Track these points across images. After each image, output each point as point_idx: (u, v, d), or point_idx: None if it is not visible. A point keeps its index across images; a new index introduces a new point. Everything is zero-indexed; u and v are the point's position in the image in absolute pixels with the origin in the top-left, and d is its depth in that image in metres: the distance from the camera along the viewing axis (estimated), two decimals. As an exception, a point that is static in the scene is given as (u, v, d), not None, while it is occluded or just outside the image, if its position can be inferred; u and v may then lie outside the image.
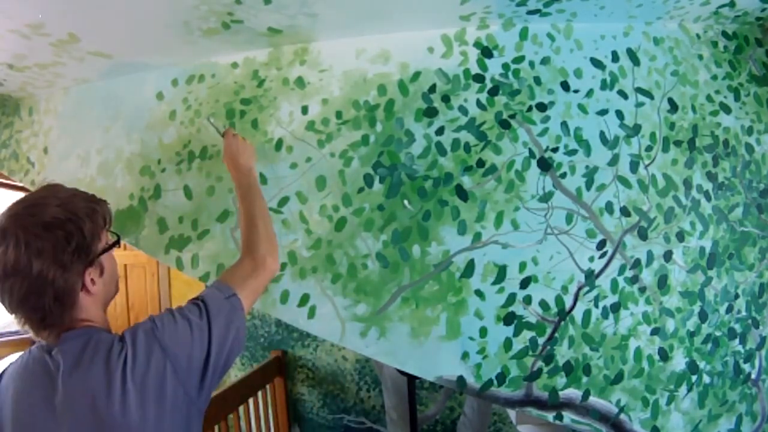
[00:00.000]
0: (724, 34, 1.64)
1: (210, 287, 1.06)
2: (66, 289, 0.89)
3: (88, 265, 0.92)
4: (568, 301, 1.40)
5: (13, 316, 0.90)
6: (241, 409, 2.41)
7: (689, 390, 1.43)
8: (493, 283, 1.40)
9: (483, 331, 1.39)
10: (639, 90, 1.50)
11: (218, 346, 0.95)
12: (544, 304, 1.40)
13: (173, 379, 0.89)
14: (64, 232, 0.88)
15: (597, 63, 1.49)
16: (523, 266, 1.40)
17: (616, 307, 1.41)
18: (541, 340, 1.39)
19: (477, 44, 1.49)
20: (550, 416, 1.38)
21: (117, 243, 1.01)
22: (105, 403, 0.84)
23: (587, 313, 1.40)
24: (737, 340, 1.48)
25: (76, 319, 0.92)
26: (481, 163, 1.44)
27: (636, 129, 1.48)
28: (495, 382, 1.38)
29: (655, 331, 1.42)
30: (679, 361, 1.43)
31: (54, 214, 0.89)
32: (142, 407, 0.86)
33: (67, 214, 0.90)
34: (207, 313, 0.97)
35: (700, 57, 1.59)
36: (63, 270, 0.88)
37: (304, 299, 1.46)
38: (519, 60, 1.48)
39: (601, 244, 1.42)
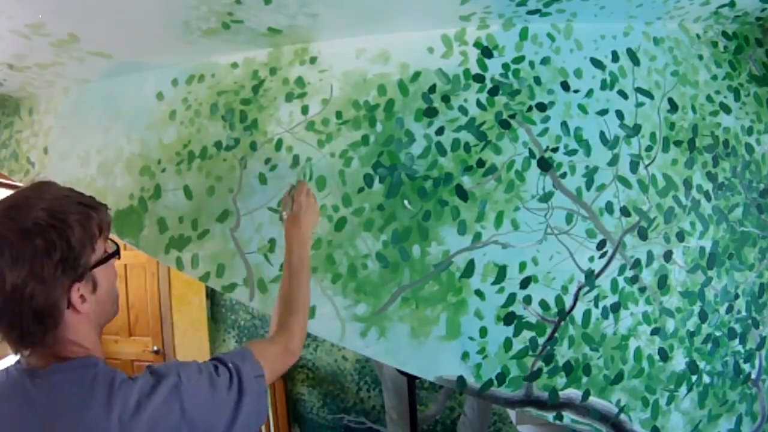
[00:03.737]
0: (724, 34, 1.64)
1: (241, 356, 0.94)
2: (47, 307, 0.76)
3: (76, 280, 0.78)
4: (568, 301, 1.40)
5: None
6: (241, 409, 2.40)
7: (689, 390, 1.43)
8: (493, 283, 1.40)
9: (483, 331, 1.39)
10: (639, 90, 1.50)
11: (243, 425, 0.87)
12: (544, 304, 1.40)
13: None
14: (45, 241, 0.75)
15: (597, 63, 1.49)
16: (523, 266, 1.40)
17: (616, 307, 1.41)
18: (541, 340, 1.39)
19: (477, 44, 1.49)
20: (550, 416, 1.38)
21: (115, 254, 0.88)
22: None
23: (587, 313, 1.40)
24: (737, 340, 1.48)
25: (63, 341, 0.79)
26: (481, 163, 1.44)
27: (636, 129, 1.48)
28: (495, 382, 1.38)
29: (655, 331, 1.42)
30: (679, 361, 1.43)
31: (36, 219, 0.76)
32: None
33: (51, 220, 0.77)
34: (239, 387, 0.88)
35: (700, 57, 1.59)
36: (43, 285, 0.75)
37: (304, 299, 1.46)
38: (519, 60, 1.48)
39: (601, 244, 1.42)
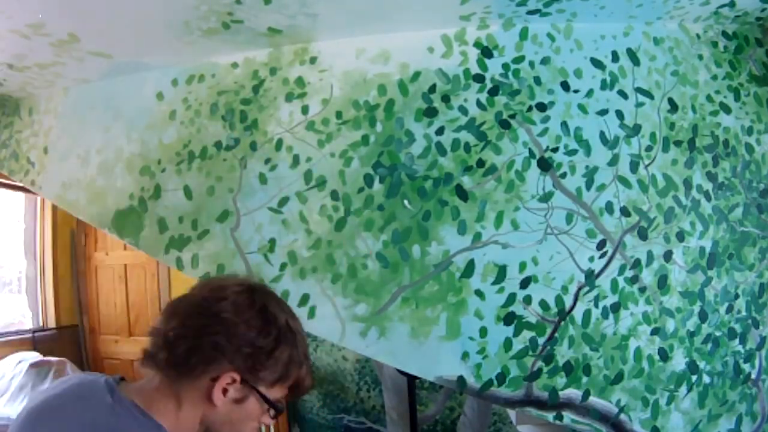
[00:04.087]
0: (724, 34, 1.64)
1: None
2: (213, 361, 0.72)
3: (241, 372, 0.73)
4: (568, 301, 1.40)
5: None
6: (241, 409, 2.40)
7: (689, 390, 1.43)
8: (493, 283, 1.40)
9: (483, 331, 1.39)
10: (639, 90, 1.50)
11: None
12: (544, 304, 1.39)
13: None
14: (279, 331, 0.75)
15: (597, 63, 1.49)
16: (523, 266, 1.40)
17: (616, 307, 1.41)
18: (541, 340, 1.39)
19: (477, 44, 1.49)
20: (550, 416, 1.38)
21: (275, 408, 0.78)
22: None
23: (587, 313, 1.40)
24: (737, 340, 1.48)
25: (170, 396, 0.73)
26: (481, 163, 1.44)
27: (636, 129, 1.47)
28: (495, 382, 1.38)
29: (655, 331, 1.42)
30: (679, 361, 1.43)
31: (281, 321, 0.76)
32: None
33: (290, 329, 0.77)
34: None
35: (700, 57, 1.59)
36: (222, 353, 0.72)
37: (304, 299, 1.46)
38: (519, 60, 1.48)
39: (601, 244, 1.42)
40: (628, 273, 1.42)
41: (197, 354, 0.72)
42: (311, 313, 1.44)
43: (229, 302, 0.75)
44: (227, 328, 0.73)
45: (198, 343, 0.72)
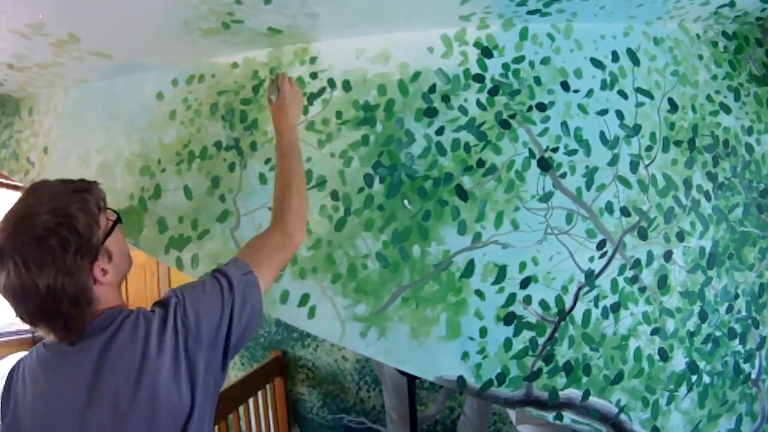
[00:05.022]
0: (724, 34, 1.64)
1: (227, 264, 1.05)
2: (79, 291, 0.87)
3: (94, 260, 0.90)
4: (568, 301, 1.40)
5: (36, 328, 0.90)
6: (241, 409, 2.40)
7: (689, 390, 1.43)
8: (493, 283, 1.40)
9: (483, 331, 1.39)
10: (639, 90, 1.50)
11: (237, 322, 0.97)
12: (544, 304, 1.40)
13: (195, 354, 0.91)
14: (58, 240, 0.85)
15: (597, 63, 1.49)
16: (523, 266, 1.40)
17: (616, 307, 1.41)
18: (541, 340, 1.39)
19: (477, 44, 1.49)
20: (550, 416, 1.38)
21: (118, 221, 0.99)
22: (140, 377, 0.86)
23: (587, 313, 1.40)
24: (737, 340, 1.48)
25: (95, 311, 0.91)
26: (481, 163, 1.44)
27: (636, 129, 1.48)
28: (495, 382, 1.38)
29: (655, 331, 1.42)
30: (679, 361, 1.43)
31: (44, 224, 0.85)
32: (176, 380, 0.88)
33: (57, 219, 0.86)
34: (229, 287, 0.98)
35: (700, 57, 1.59)
36: (70, 276, 0.85)
37: (304, 299, 1.46)
38: (519, 60, 1.48)
39: (601, 244, 1.42)
40: (628, 273, 1.42)
41: None
42: (311, 313, 1.44)
43: None
44: None
45: None
